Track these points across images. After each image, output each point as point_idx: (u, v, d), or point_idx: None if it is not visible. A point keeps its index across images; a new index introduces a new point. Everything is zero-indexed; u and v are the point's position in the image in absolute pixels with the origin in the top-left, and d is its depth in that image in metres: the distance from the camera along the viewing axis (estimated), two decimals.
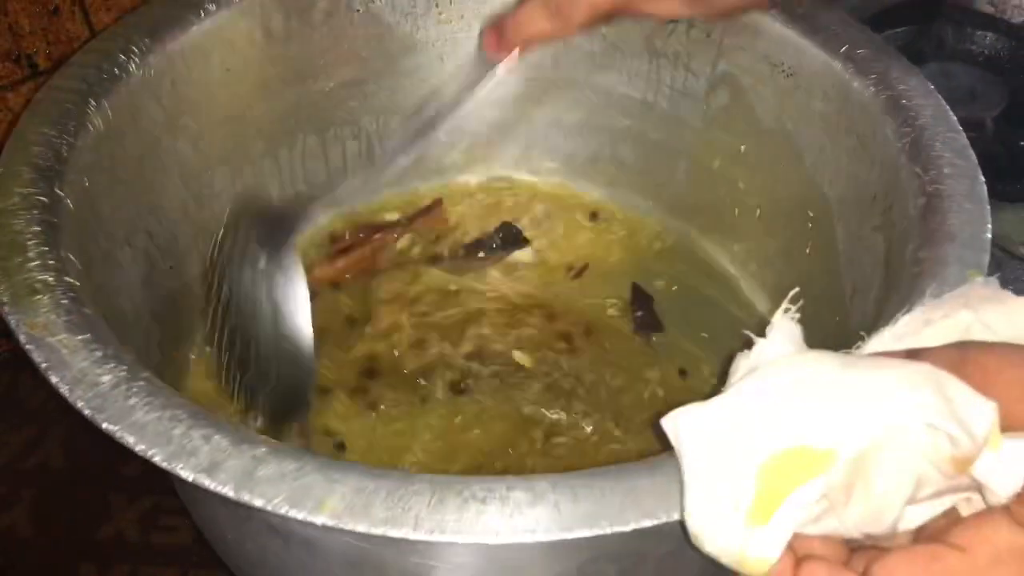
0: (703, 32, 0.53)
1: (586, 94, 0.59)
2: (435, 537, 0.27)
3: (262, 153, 0.56)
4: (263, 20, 0.52)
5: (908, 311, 0.30)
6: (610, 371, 0.54)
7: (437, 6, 0.57)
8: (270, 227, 0.45)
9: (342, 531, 0.28)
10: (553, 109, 0.61)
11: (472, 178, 0.64)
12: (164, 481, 0.51)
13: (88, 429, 0.54)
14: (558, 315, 0.57)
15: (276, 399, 0.45)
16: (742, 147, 0.55)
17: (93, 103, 0.43)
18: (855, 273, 0.46)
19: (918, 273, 0.36)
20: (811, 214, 0.51)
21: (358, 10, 0.55)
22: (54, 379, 0.31)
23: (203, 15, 0.48)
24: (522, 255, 0.60)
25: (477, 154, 0.63)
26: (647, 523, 0.28)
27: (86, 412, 0.30)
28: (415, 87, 0.59)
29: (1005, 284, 0.59)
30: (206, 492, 0.32)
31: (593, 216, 0.62)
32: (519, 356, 0.55)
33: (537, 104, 0.61)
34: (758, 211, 0.56)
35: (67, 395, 0.31)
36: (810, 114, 0.49)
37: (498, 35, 0.43)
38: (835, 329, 0.48)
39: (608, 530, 0.27)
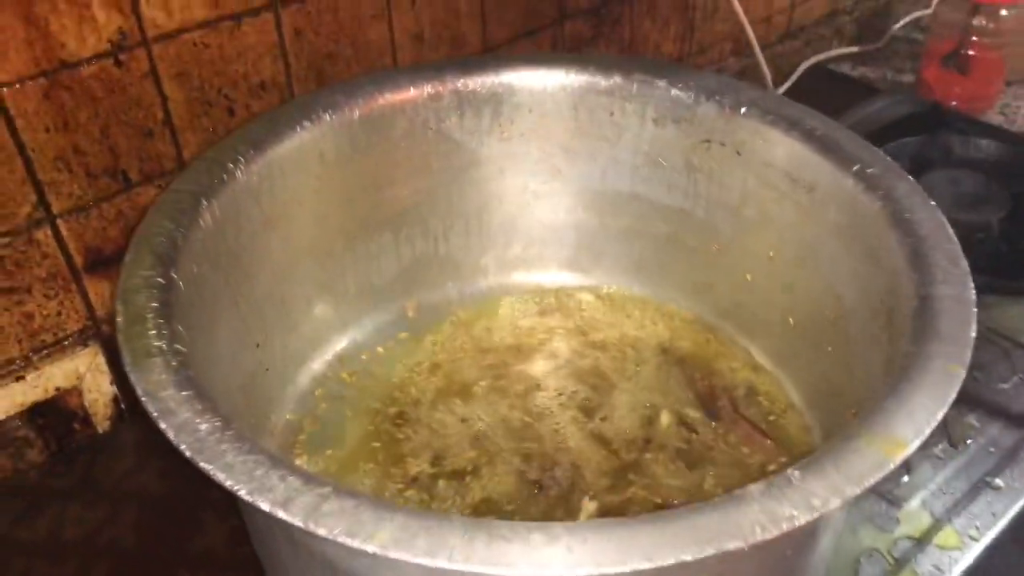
0: (734, 150, 0.59)
1: (630, 203, 0.66)
2: (466, 567, 0.32)
3: (343, 249, 0.64)
4: (351, 136, 0.60)
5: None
6: None
7: (500, 126, 0.65)
8: None
9: (389, 560, 0.33)
10: (600, 216, 0.68)
11: (525, 277, 0.71)
12: (226, 559, 0.56)
13: (157, 510, 0.59)
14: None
15: None
16: (770, 253, 0.61)
17: (204, 202, 0.51)
18: (866, 370, 0.50)
19: (906, 367, 0.40)
20: (830, 316, 0.56)
21: (431, 129, 0.63)
22: (163, 425, 0.38)
23: (299, 130, 0.57)
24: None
25: (532, 254, 0.70)
26: (645, 566, 0.32)
27: (187, 453, 0.37)
28: (478, 194, 0.67)
29: (1014, 373, 0.63)
30: (277, 534, 0.38)
31: (634, 312, 0.68)
32: None
33: (585, 211, 0.68)
34: (790, 318, 0.61)
35: (172, 439, 0.37)
36: (826, 225, 0.55)
37: None
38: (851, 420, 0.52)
39: (609, 570, 0.32)
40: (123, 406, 0.67)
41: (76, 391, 0.65)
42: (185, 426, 0.38)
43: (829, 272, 0.55)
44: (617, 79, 0.62)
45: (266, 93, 0.65)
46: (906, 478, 0.60)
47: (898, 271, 0.47)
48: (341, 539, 0.33)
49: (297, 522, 0.34)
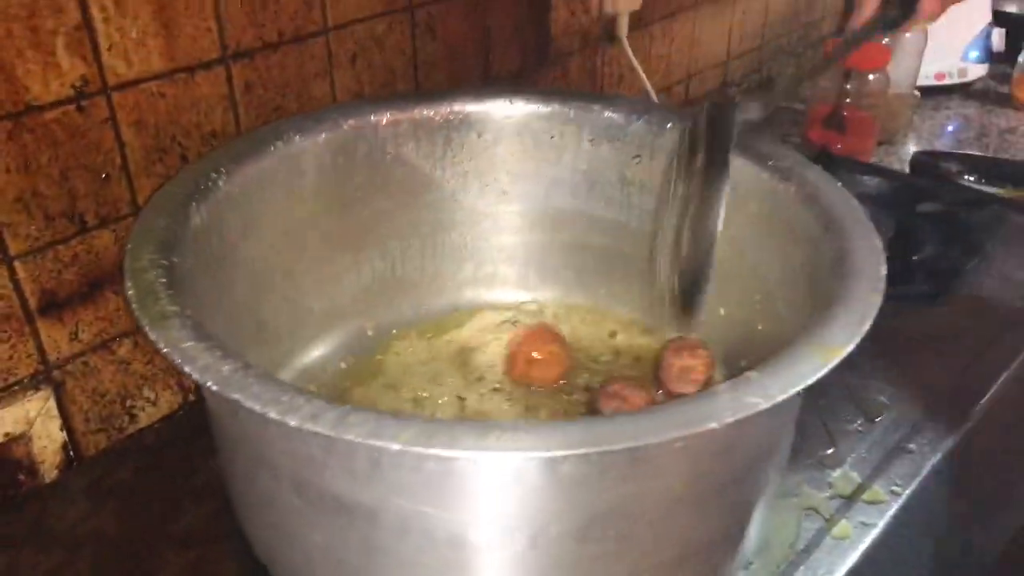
0: (662, 162, 0.67)
1: (572, 219, 0.73)
2: (481, 454, 0.37)
3: (308, 266, 0.68)
4: (317, 157, 0.65)
5: None
6: None
7: (451, 151, 0.71)
8: (711, 131, 0.58)
9: (412, 455, 0.37)
10: (545, 233, 0.74)
11: (478, 294, 0.76)
12: None
13: (115, 551, 0.60)
14: None
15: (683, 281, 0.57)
16: None
17: (194, 204, 0.55)
18: (795, 331, 0.57)
19: (832, 296, 0.48)
20: (758, 297, 0.63)
21: (390, 153, 0.69)
22: (187, 369, 0.41)
23: (273, 149, 0.62)
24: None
25: (483, 273, 0.76)
26: (633, 443, 0.37)
27: (214, 388, 0.40)
28: (432, 217, 0.73)
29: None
30: (284, 488, 0.41)
31: (583, 318, 0.74)
32: None
33: (531, 230, 0.74)
34: (721, 309, 0.68)
35: (199, 379, 0.41)
36: (749, 216, 0.62)
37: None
38: None
39: (594, 449, 0.37)
40: (71, 453, 0.68)
41: (24, 439, 0.65)
42: (209, 368, 0.41)
43: (753, 257, 0.63)
44: (556, 106, 0.70)
45: (217, 142, 0.69)
46: (831, 450, 0.67)
47: (815, 239, 0.55)
48: (370, 440, 0.37)
49: (327, 431, 0.38)
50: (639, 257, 0.72)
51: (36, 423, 0.65)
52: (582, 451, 0.37)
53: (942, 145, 1.20)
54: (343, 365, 0.70)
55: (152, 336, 0.43)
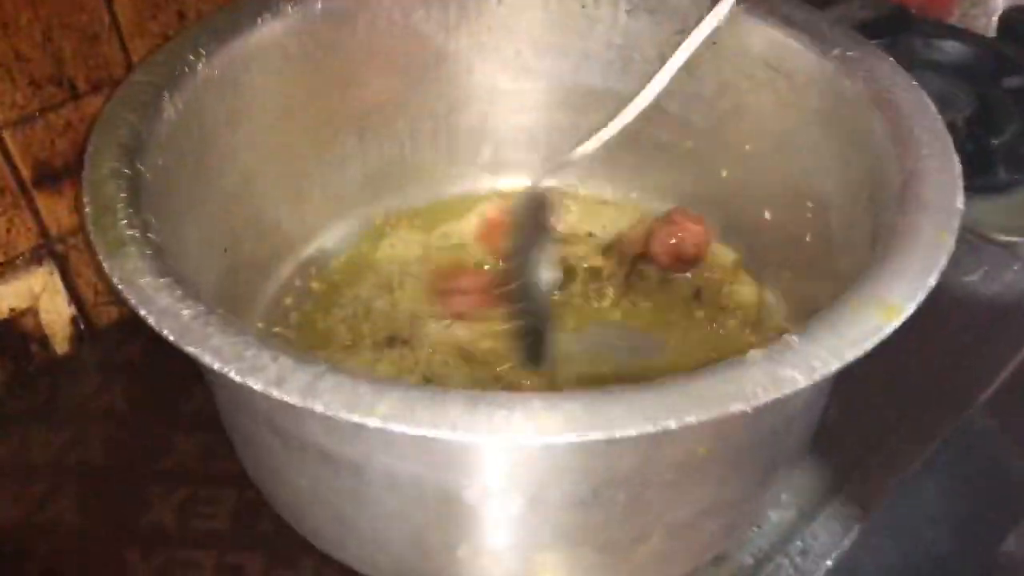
0: (710, 40, 0.58)
1: (602, 100, 0.65)
2: (469, 437, 0.32)
3: (307, 152, 0.62)
4: (313, 31, 0.57)
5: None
6: None
7: (467, 20, 0.62)
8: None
9: (387, 439, 0.32)
10: (572, 115, 0.66)
11: (497, 181, 0.69)
12: (198, 473, 0.56)
13: (125, 429, 0.59)
14: None
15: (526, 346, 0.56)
16: (747, 146, 0.60)
17: (167, 95, 0.48)
18: (848, 252, 0.51)
19: (894, 236, 0.40)
20: (810, 204, 0.56)
21: (396, 23, 0.60)
22: (143, 312, 0.36)
23: (261, 22, 0.54)
24: None
25: (502, 158, 0.69)
26: (649, 428, 0.32)
27: (171, 338, 0.35)
28: (445, 94, 0.65)
29: (980, 266, 0.65)
30: (264, 433, 0.37)
31: (607, 213, 0.67)
32: None
33: (557, 110, 0.67)
34: (767, 212, 0.61)
35: (155, 325, 0.36)
36: (806, 112, 0.54)
37: None
38: None
39: (614, 434, 0.32)
40: (82, 327, 0.66)
41: (32, 312, 0.63)
42: (167, 311, 0.36)
43: (808, 159, 0.55)
44: None
45: None
46: None
47: (881, 151, 0.47)
48: (341, 414, 0.32)
49: (293, 400, 0.33)
50: (679, 146, 0.64)
51: (42, 297, 0.63)
52: (587, 437, 0.32)
53: None
54: (347, 258, 0.65)
55: (106, 267, 0.38)
